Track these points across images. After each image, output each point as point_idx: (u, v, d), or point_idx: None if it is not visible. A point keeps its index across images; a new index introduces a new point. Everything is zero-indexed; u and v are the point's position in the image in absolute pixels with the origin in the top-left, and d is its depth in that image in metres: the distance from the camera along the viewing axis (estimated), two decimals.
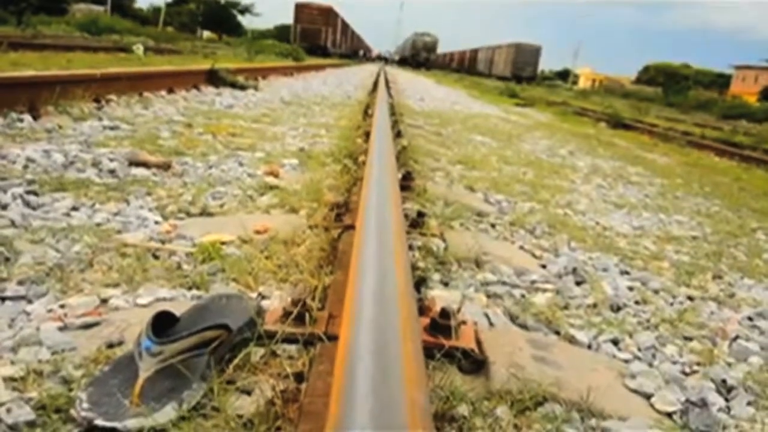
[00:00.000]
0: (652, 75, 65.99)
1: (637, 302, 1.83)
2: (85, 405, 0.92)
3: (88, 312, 1.26)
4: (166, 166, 2.63)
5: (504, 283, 1.79)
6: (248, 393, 1.03)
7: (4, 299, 1.29)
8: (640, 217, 3.22)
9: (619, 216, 3.16)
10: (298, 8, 37.33)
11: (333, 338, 1.15)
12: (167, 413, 0.94)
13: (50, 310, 1.26)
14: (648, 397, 1.24)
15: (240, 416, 0.96)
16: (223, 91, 6.45)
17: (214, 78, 6.83)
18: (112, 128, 3.38)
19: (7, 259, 1.48)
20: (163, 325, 1.07)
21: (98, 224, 1.82)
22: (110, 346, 1.13)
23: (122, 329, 1.19)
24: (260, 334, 1.15)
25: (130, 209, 2.01)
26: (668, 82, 44.12)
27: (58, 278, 1.42)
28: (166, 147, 3.08)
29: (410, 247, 1.87)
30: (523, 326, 1.53)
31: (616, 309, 1.75)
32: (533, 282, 1.84)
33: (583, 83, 66.50)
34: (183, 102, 5.12)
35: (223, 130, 3.89)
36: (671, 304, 1.88)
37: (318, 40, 36.33)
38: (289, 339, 1.17)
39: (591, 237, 2.57)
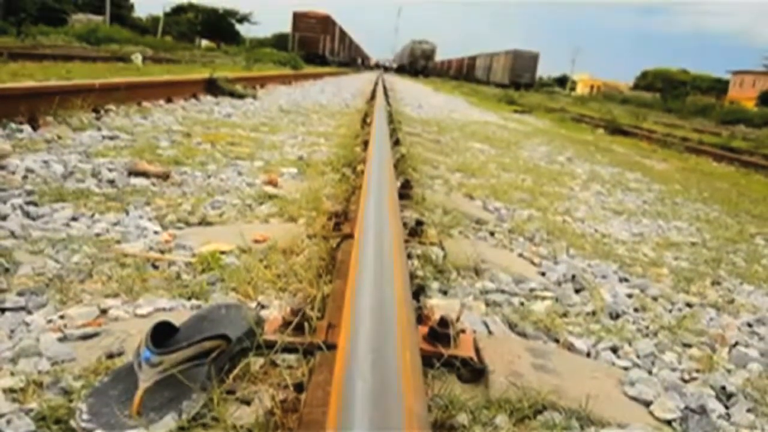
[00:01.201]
0: (650, 81, 66.17)
1: (636, 309, 1.84)
2: (85, 416, 0.93)
3: (88, 322, 1.27)
4: (165, 176, 2.64)
5: (503, 291, 1.79)
6: (248, 403, 1.03)
7: (3, 310, 1.30)
8: (638, 223, 3.23)
9: (617, 222, 3.17)
10: (296, 17, 37.46)
11: (332, 347, 1.15)
12: (167, 424, 0.94)
13: (50, 321, 1.26)
14: (647, 404, 1.24)
15: (240, 426, 0.96)
16: (221, 100, 6.46)
17: (212, 87, 6.84)
18: (111, 138, 3.39)
19: (7, 270, 1.48)
20: (162, 335, 1.07)
21: (97, 234, 1.83)
22: (110, 356, 1.14)
23: (122, 340, 1.19)
24: (259, 343, 1.15)
25: (129, 219, 2.01)
26: (666, 88, 44.27)
27: (57, 289, 1.42)
28: (165, 156, 3.09)
29: (409, 256, 1.88)
30: (522, 334, 1.54)
31: (615, 316, 1.75)
32: (532, 290, 1.85)
33: (581, 89, 66.69)
34: (182, 111, 5.13)
35: (222, 139, 3.90)
36: (670, 311, 1.88)
37: (316, 48, 36.42)
38: (289, 348, 1.17)
39: (590, 244, 2.58)
